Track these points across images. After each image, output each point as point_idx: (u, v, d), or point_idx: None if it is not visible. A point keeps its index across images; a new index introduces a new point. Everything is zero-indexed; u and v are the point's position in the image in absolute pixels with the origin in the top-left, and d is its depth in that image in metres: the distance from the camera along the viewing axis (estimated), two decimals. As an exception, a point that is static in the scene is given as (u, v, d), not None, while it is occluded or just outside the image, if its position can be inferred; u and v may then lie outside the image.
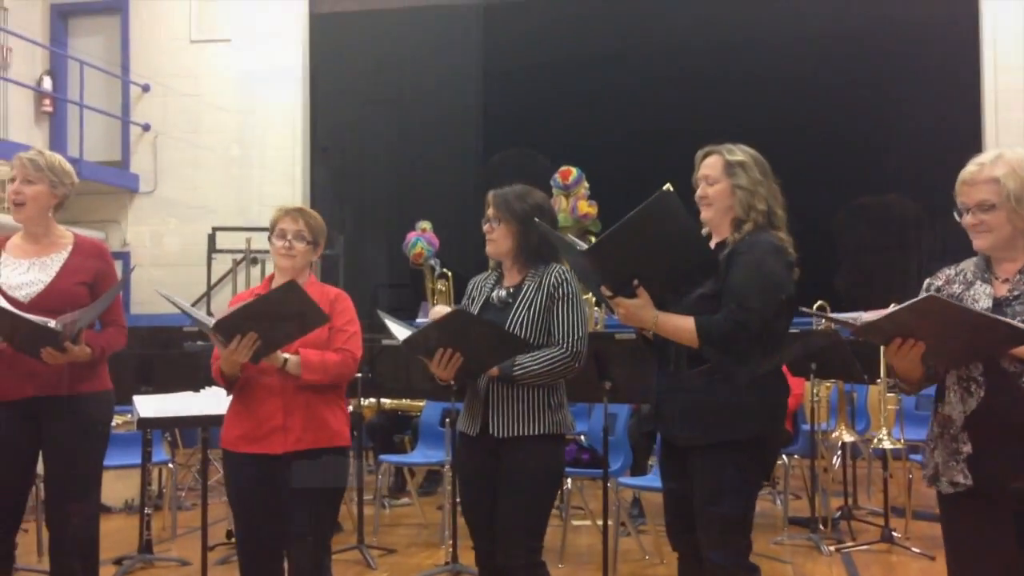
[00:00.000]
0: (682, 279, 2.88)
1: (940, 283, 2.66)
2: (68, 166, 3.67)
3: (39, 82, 10.78)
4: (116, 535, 5.93)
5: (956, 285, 2.62)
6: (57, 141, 10.84)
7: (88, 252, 3.63)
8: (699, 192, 3.05)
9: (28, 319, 3.30)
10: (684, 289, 2.89)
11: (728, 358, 2.86)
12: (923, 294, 2.49)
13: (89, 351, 3.44)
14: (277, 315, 3.14)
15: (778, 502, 6.43)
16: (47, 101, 10.86)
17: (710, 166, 3.05)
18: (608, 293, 2.85)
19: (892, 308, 2.44)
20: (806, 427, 6.16)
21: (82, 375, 3.51)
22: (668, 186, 2.99)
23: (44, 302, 3.44)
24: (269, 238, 3.44)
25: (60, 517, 3.53)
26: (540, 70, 10.81)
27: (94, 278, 3.57)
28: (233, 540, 5.38)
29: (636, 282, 2.82)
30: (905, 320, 2.42)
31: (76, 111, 10.59)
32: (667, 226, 2.75)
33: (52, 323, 3.31)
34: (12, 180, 3.56)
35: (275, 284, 3.40)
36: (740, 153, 3.04)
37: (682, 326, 2.86)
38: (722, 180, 3.01)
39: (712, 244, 3.03)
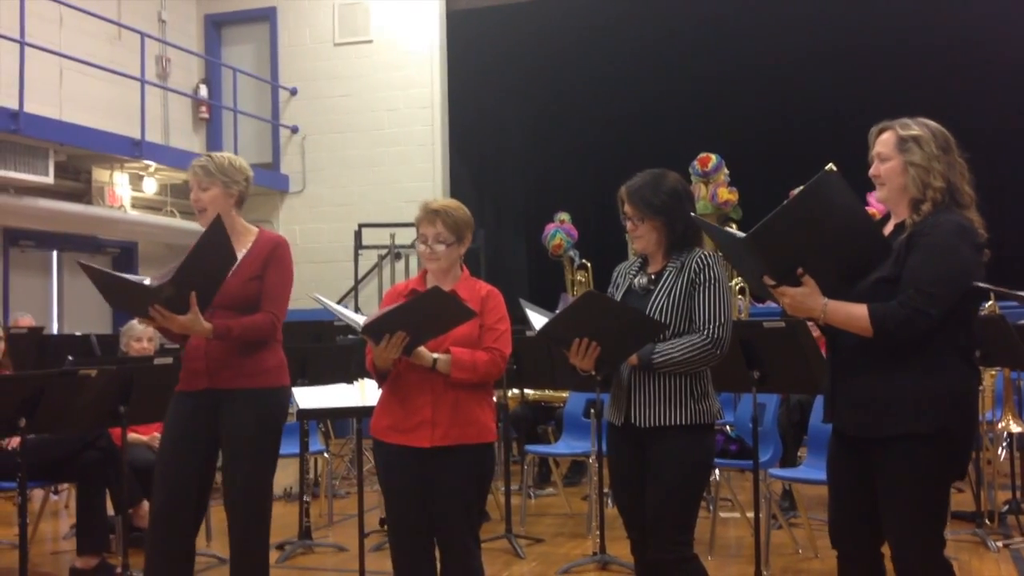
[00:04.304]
0: (852, 265, 2.70)
1: None
2: (240, 162, 3.75)
3: (196, 90, 11.36)
4: (276, 521, 6.13)
5: None
6: (213, 146, 11.41)
7: (264, 246, 3.70)
8: (872, 171, 2.87)
9: (121, 277, 3.46)
10: (854, 275, 2.72)
11: (908, 346, 2.68)
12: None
13: (208, 327, 3.45)
14: (424, 315, 3.20)
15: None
16: (203, 108, 11.44)
17: (883, 143, 2.84)
18: (771, 283, 2.71)
19: None
20: (969, 417, 5.86)
21: (253, 369, 3.61)
22: (831, 166, 2.81)
23: (218, 299, 3.53)
24: (415, 240, 3.48)
25: (235, 507, 3.65)
26: (675, 56, 10.65)
27: (262, 269, 3.65)
28: (385, 527, 5.56)
29: (800, 270, 2.67)
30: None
31: (230, 116, 11.12)
32: (831, 208, 2.60)
33: (147, 280, 3.45)
34: (191, 189, 3.71)
35: (428, 277, 3.46)
36: (916, 127, 2.81)
37: (855, 314, 2.70)
38: (894, 157, 2.80)
39: (891, 225, 2.86)
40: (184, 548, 3.65)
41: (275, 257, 3.68)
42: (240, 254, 3.65)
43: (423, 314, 3.19)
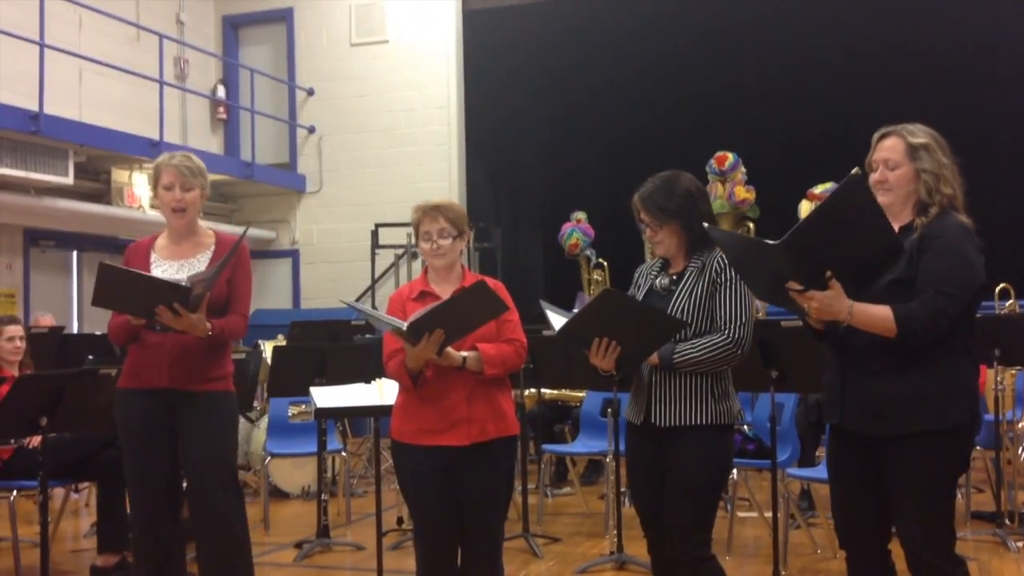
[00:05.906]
0: (866, 266, 2.73)
1: None
2: (204, 166, 3.80)
3: (214, 91, 11.42)
4: (295, 520, 6.24)
5: None
6: (231, 146, 11.47)
7: (228, 248, 3.71)
8: (877, 176, 2.89)
9: (163, 280, 3.45)
10: (867, 277, 2.74)
11: (924, 346, 2.72)
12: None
13: (209, 326, 3.51)
14: (464, 312, 3.22)
15: (959, 495, 6.11)
16: (221, 109, 11.50)
17: (890, 149, 2.87)
18: (798, 287, 2.71)
19: None
20: (989, 417, 5.82)
21: (213, 374, 3.66)
22: (857, 169, 2.81)
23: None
24: (415, 240, 3.47)
25: (200, 502, 3.68)
26: (691, 56, 10.63)
27: (232, 270, 3.68)
28: (403, 526, 5.57)
29: (829, 273, 2.68)
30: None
31: (247, 117, 11.17)
32: (858, 212, 2.62)
33: (184, 281, 3.46)
34: (168, 187, 3.67)
35: (430, 279, 3.45)
36: (922, 135, 2.85)
37: (879, 315, 2.72)
38: (904, 164, 2.84)
39: (896, 228, 2.84)
40: (166, 551, 3.70)
41: (241, 258, 3.73)
42: (206, 256, 3.71)
43: (463, 311, 3.21)
